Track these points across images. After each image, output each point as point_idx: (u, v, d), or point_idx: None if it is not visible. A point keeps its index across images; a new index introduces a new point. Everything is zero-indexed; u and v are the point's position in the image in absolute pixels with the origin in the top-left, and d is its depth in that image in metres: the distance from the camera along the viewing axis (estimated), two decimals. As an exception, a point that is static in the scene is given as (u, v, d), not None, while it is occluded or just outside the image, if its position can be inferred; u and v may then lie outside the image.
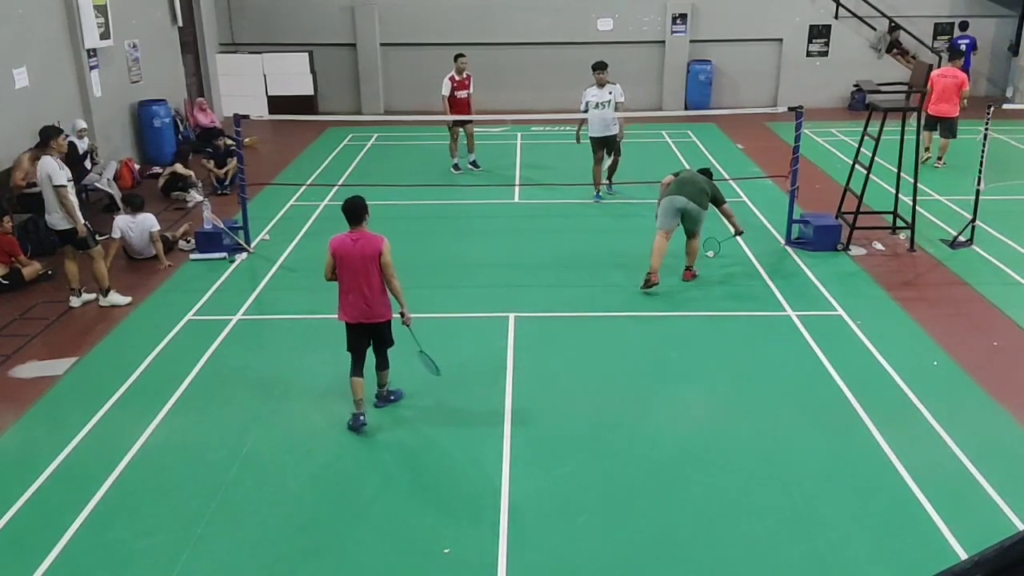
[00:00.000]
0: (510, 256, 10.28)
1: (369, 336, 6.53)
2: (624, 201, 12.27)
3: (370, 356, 6.61)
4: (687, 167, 9.35)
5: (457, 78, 13.66)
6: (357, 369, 6.50)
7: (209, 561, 5.12)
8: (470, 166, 14.19)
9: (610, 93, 12.02)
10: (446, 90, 13.62)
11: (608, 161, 12.33)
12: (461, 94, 13.66)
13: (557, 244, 10.61)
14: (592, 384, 7.16)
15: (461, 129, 13.98)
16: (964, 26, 19.02)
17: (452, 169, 14.11)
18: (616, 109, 12.05)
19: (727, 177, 13.24)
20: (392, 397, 6.86)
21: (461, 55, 13.86)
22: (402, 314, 6.49)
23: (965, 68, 19.00)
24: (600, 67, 12.09)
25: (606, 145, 12.17)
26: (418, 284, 9.40)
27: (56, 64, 12.67)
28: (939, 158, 13.82)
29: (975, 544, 5.06)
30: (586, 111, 12.11)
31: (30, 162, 10.74)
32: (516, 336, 8.01)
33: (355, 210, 6.28)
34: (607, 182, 12.50)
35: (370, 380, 6.62)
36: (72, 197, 8.67)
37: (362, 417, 6.47)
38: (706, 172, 9.55)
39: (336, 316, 6.52)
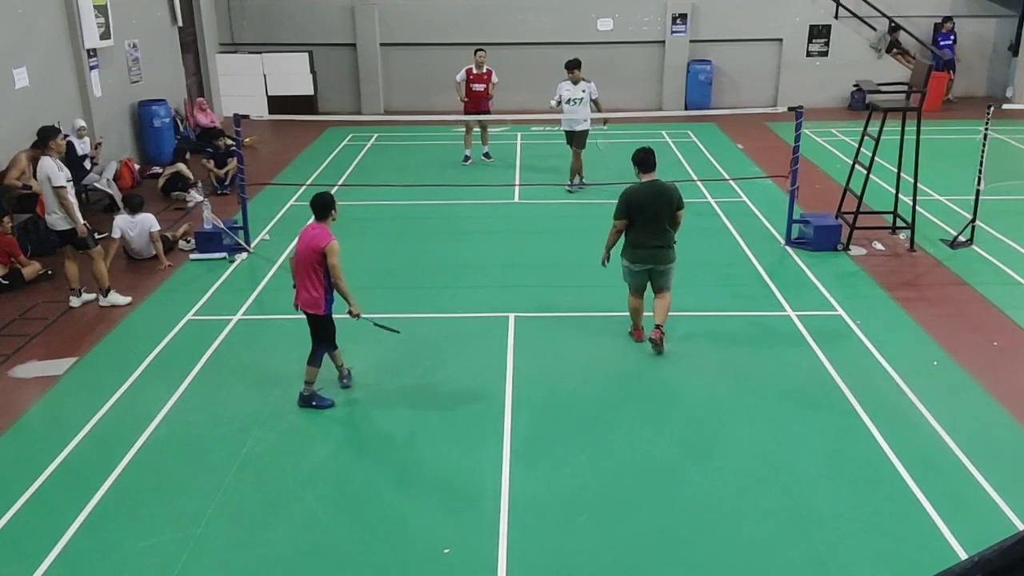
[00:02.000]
0: (510, 256, 10.28)
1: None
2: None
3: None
4: (643, 177, 7.46)
5: (475, 71, 13.94)
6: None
7: (209, 561, 5.12)
8: (483, 157, 14.54)
9: (583, 91, 12.27)
10: (460, 77, 13.97)
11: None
12: (477, 87, 13.92)
13: (557, 244, 10.61)
14: (592, 384, 7.15)
15: (476, 127, 14.34)
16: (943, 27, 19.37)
17: (463, 161, 14.39)
18: (597, 106, 12.44)
19: (727, 177, 13.26)
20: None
21: (480, 49, 14.16)
22: (349, 312, 6.65)
23: (950, 64, 19.15)
24: (574, 65, 12.39)
25: (572, 139, 12.49)
26: (418, 284, 9.43)
27: (56, 64, 12.67)
28: None
29: (975, 544, 5.06)
30: (559, 105, 12.49)
31: (27, 161, 10.74)
32: (516, 336, 8.01)
33: (319, 205, 6.58)
34: (570, 182, 12.72)
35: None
36: (71, 197, 8.68)
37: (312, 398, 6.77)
38: (648, 155, 7.47)
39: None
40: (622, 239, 7.60)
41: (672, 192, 7.43)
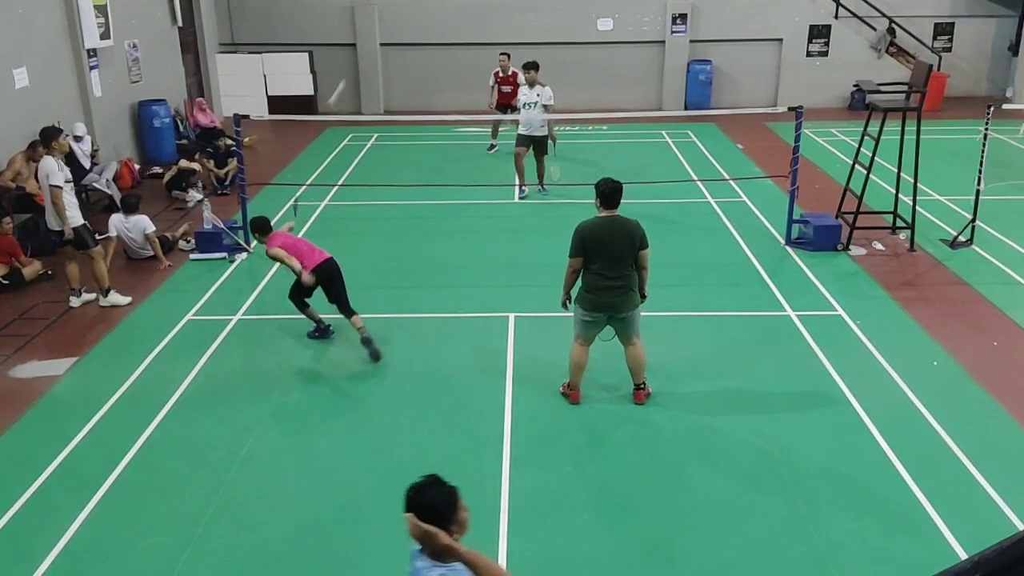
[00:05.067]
0: (510, 256, 10.29)
1: (331, 277, 7.78)
2: (625, 202, 12.24)
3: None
4: (602, 212, 6.52)
5: (501, 75, 14.73)
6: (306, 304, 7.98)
7: (209, 561, 5.12)
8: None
9: (538, 95, 12.24)
10: (491, 82, 14.89)
11: (535, 162, 12.58)
12: (505, 88, 14.66)
13: (557, 244, 10.54)
14: (592, 384, 7.15)
15: (504, 121, 15.06)
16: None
17: (488, 149, 15.36)
18: (546, 111, 12.37)
19: (727, 177, 13.26)
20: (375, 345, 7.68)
21: (504, 53, 14.90)
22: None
23: None
24: (531, 67, 12.35)
25: (532, 143, 12.41)
26: (418, 284, 9.43)
27: (56, 64, 12.67)
28: None
29: (975, 544, 5.06)
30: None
31: (22, 163, 10.74)
32: (516, 336, 8.01)
33: (264, 224, 7.93)
34: (539, 184, 12.67)
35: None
36: (71, 198, 8.67)
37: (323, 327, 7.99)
38: (615, 193, 6.51)
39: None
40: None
41: (634, 229, 6.37)
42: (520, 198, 12.51)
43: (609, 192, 6.45)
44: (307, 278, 7.55)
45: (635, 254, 6.41)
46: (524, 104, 12.34)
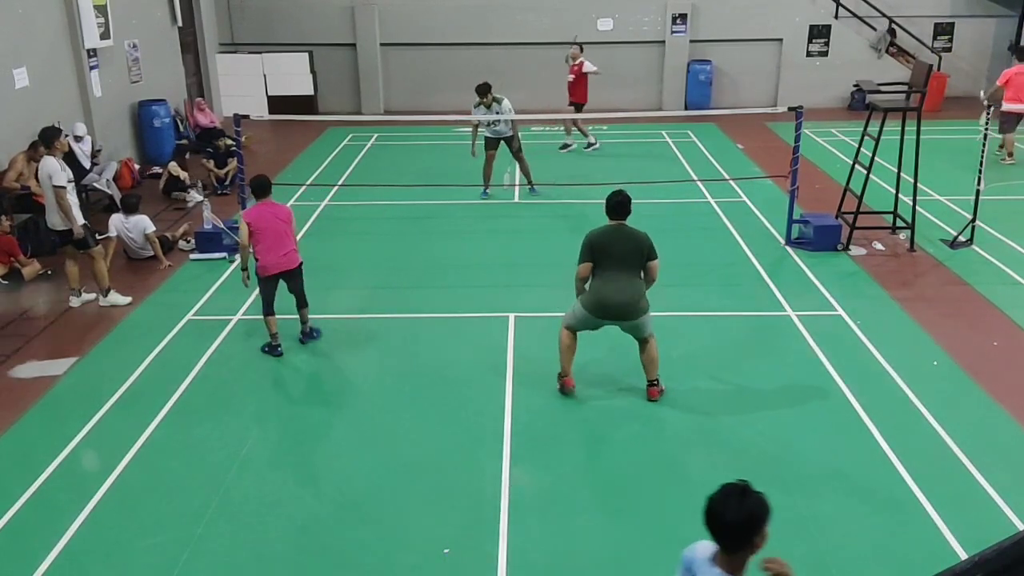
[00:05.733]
0: (510, 256, 10.29)
1: (284, 280, 7.72)
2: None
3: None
4: (611, 222, 6.59)
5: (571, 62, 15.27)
6: (269, 308, 7.73)
7: (209, 561, 5.12)
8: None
9: (497, 112, 12.12)
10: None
11: (516, 163, 12.64)
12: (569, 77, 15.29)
13: (557, 244, 10.60)
14: (591, 383, 7.15)
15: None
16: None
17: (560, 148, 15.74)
18: (511, 126, 12.33)
19: (727, 177, 13.26)
20: (315, 334, 7.96)
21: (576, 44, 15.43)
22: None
23: None
24: (484, 90, 12.08)
25: (499, 145, 12.41)
26: (418, 284, 9.43)
27: (56, 64, 12.68)
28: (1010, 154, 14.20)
29: (975, 544, 5.05)
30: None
31: (24, 163, 10.74)
32: (516, 336, 8.01)
33: (264, 185, 7.68)
34: (529, 184, 12.68)
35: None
36: (73, 198, 8.67)
37: (279, 348, 7.71)
38: (621, 205, 6.60)
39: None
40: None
41: (642, 240, 6.51)
42: (482, 198, 12.50)
43: (616, 204, 6.60)
44: (244, 278, 7.75)
45: (643, 264, 6.54)
46: (486, 124, 12.21)
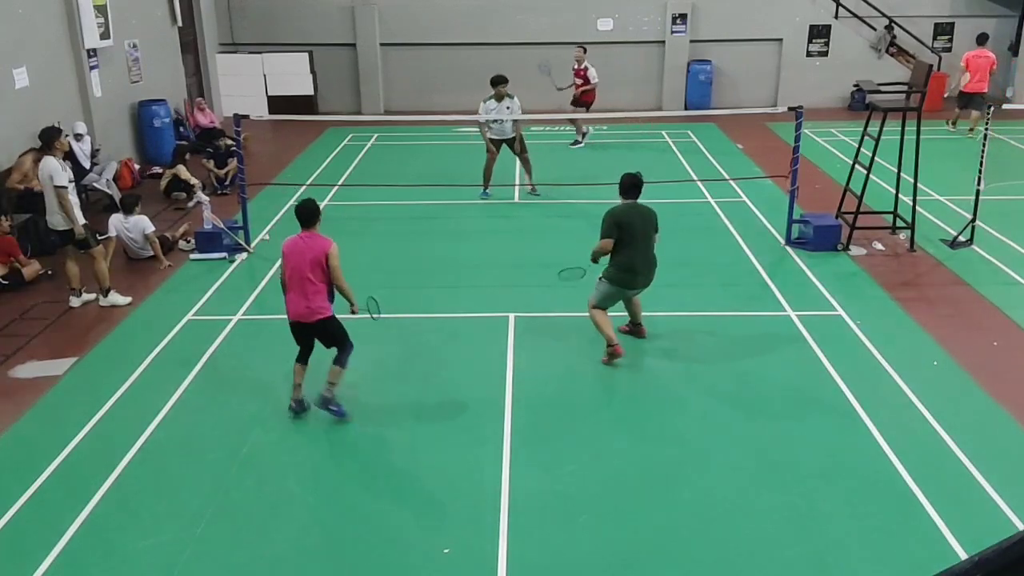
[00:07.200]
0: (510, 256, 10.29)
1: (310, 335, 6.57)
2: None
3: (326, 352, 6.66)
4: (624, 200, 7.45)
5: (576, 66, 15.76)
6: (301, 356, 6.69)
7: (209, 561, 5.12)
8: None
9: (508, 108, 12.16)
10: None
11: (517, 162, 12.66)
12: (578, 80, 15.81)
13: (557, 244, 10.60)
14: (592, 384, 7.15)
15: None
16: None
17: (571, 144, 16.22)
18: (515, 127, 12.39)
19: (727, 177, 13.26)
20: (332, 407, 6.51)
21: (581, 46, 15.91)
22: (352, 311, 6.53)
23: None
24: (499, 81, 12.20)
25: (502, 146, 12.42)
26: (418, 284, 9.43)
27: (56, 64, 12.67)
28: (971, 129, 15.81)
29: (975, 544, 5.06)
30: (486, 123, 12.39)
31: (32, 163, 10.73)
32: (516, 336, 8.01)
33: (309, 212, 6.42)
34: (530, 184, 12.66)
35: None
36: (73, 197, 8.67)
37: (294, 404, 6.63)
38: (634, 186, 7.46)
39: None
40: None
41: (655, 215, 7.47)
42: (482, 198, 12.48)
43: (632, 184, 7.43)
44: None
45: (653, 237, 7.40)
46: (496, 120, 12.22)
